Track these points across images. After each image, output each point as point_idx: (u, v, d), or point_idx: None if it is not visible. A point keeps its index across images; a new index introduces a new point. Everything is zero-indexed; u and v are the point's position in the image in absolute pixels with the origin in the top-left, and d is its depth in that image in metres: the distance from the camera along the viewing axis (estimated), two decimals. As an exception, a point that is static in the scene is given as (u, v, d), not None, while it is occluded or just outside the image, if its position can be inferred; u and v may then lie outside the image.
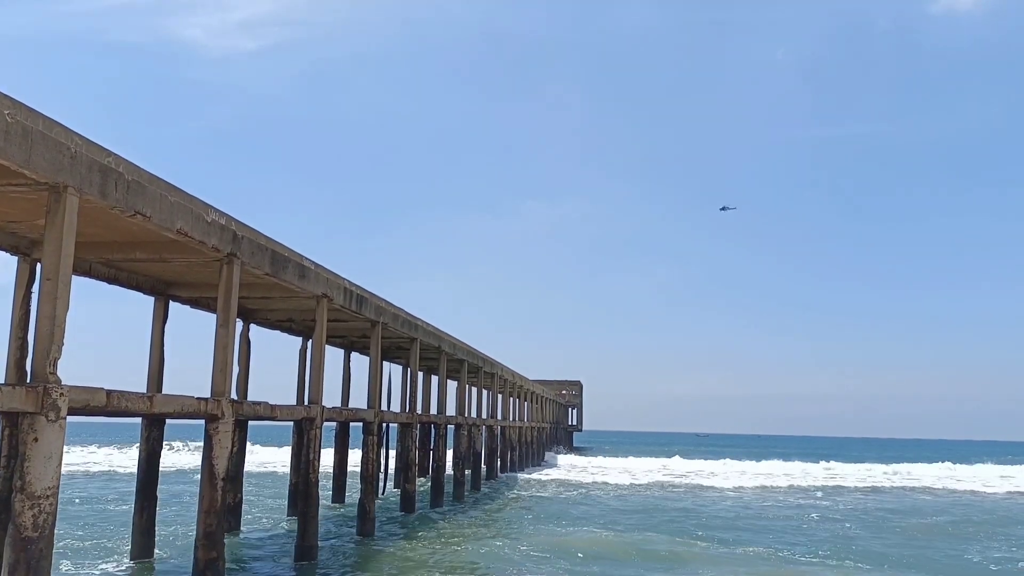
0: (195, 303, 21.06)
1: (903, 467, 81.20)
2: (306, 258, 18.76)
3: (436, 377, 37.74)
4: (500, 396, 51.10)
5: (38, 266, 14.26)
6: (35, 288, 14.56)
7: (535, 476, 55.70)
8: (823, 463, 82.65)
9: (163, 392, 18.81)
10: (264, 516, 28.82)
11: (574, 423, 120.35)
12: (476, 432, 43.78)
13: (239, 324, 24.25)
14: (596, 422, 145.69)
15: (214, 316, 15.70)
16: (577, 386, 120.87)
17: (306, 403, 20.93)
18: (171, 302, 20.01)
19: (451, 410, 38.85)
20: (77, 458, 66.93)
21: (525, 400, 65.92)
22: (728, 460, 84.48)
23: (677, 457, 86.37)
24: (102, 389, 11.32)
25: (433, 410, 36.03)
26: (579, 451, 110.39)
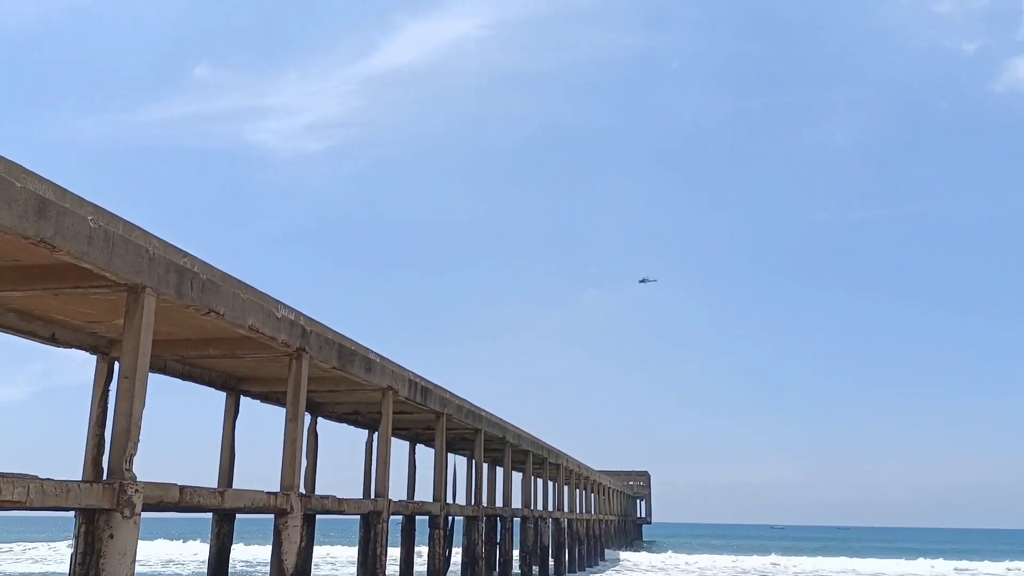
0: (265, 397, 21.40)
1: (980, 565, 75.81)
2: (371, 351, 18.99)
3: (501, 469, 37.28)
4: (566, 488, 50.11)
5: (116, 364, 14.73)
6: (112, 386, 15.01)
7: (604, 573, 53.93)
8: (894, 560, 78.09)
9: (234, 487, 18.95)
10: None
11: (643, 515, 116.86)
12: (543, 525, 42.82)
13: (307, 417, 24.48)
14: (666, 514, 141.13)
15: (282, 409, 15.91)
16: (645, 476, 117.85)
17: (372, 496, 20.84)
18: (242, 397, 20.37)
19: (516, 502, 38.19)
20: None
21: (592, 492, 64.49)
22: (804, 557, 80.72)
23: (751, 555, 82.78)
24: (175, 485, 11.47)
25: (499, 502, 35.46)
26: (649, 545, 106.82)
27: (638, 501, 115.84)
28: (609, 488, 75.96)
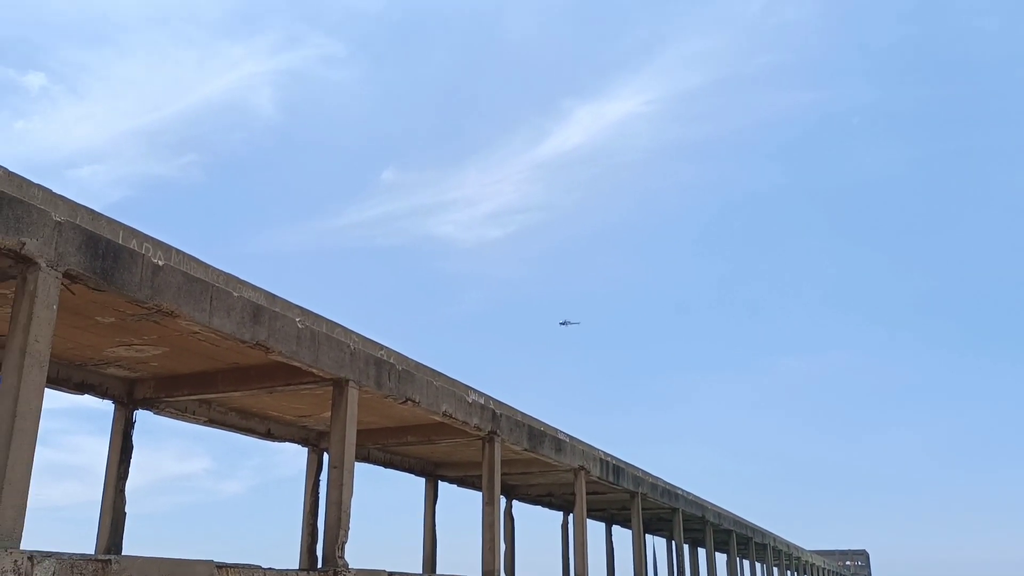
0: (461, 482, 21.85)
1: None
2: (560, 431, 19.02)
3: (703, 550, 35.70)
4: (775, 569, 47.14)
5: (325, 455, 15.61)
6: (322, 476, 15.87)
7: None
8: None
9: (437, 572, 19.31)
10: None
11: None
12: (753, 610, 40.37)
13: (502, 501, 24.69)
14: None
15: (477, 494, 16.16)
16: (863, 556, 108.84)
17: (572, 581, 20.52)
18: (440, 482, 20.91)
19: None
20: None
21: (804, 573, 60.23)
22: None
23: None
24: (384, 571, 11.84)
25: (703, 586, 33.83)
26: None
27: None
28: (823, 568, 70.67)
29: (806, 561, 59.60)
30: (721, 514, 34.44)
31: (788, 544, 50.17)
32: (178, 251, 8.80)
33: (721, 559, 39.14)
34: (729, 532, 36.12)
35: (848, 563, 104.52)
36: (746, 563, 42.61)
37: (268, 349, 9.91)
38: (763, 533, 42.54)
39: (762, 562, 44.87)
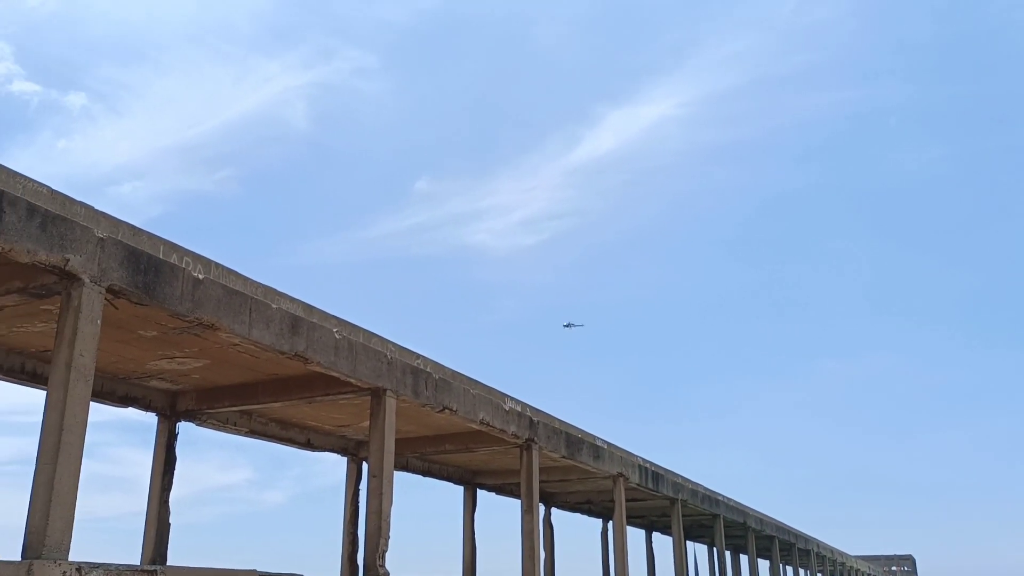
0: (499, 490, 21.83)
1: None
2: (598, 438, 18.92)
3: (744, 556, 35.27)
4: (820, 575, 46.42)
5: (364, 465, 15.69)
6: (362, 486, 15.96)
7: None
8: None
9: (476, 581, 19.30)
10: None
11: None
12: (798, 617, 39.76)
13: (541, 509, 24.60)
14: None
15: (516, 502, 16.12)
16: (909, 561, 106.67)
17: (613, 589, 20.38)
18: (478, 490, 20.91)
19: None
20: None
21: (849, 579, 59.23)
22: None
23: None
24: (423, 579, 11.87)
25: (746, 593, 33.38)
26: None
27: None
28: (868, 574, 69.44)
29: (851, 567, 58.57)
30: (763, 520, 34.00)
31: (832, 550, 49.37)
32: (217, 264, 8.92)
33: (764, 565, 38.60)
34: (772, 538, 35.64)
35: (894, 568, 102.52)
36: (789, 569, 41.98)
37: (307, 360, 9.99)
38: (806, 539, 41.92)
39: (806, 568, 44.22)
